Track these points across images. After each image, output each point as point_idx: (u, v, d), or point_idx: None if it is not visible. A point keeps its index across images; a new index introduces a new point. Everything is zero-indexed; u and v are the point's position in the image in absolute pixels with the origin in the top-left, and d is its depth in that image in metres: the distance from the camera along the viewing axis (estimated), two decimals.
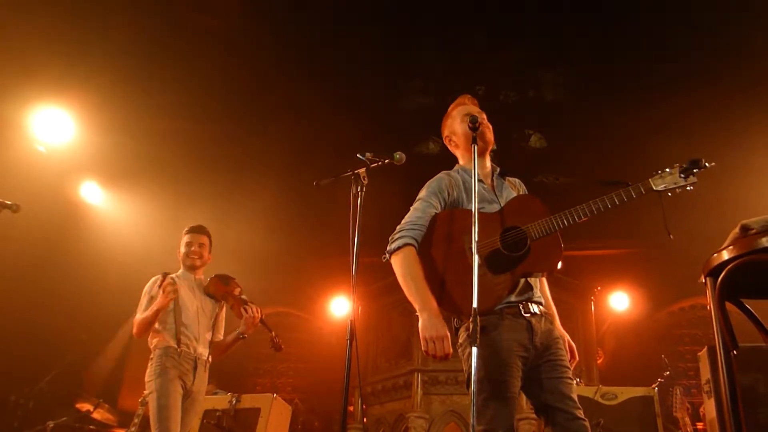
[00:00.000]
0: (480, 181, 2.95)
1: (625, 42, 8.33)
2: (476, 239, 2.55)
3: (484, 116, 3.12)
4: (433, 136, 9.90)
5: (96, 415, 7.08)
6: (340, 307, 9.96)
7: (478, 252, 2.55)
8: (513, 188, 3.14)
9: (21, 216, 4.13)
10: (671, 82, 8.10)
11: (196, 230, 4.64)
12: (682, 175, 2.58)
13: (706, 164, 2.59)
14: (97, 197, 8.53)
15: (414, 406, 6.82)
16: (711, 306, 2.15)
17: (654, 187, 2.64)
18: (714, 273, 2.16)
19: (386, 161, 3.41)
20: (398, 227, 2.91)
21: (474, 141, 2.82)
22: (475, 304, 2.45)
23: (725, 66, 7.77)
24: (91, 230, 8.41)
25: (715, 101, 7.39)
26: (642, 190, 2.66)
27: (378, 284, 7.99)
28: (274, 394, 5.83)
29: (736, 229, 2.13)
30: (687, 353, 9.42)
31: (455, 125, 3.19)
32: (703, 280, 2.25)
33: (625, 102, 8.57)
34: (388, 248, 2.88)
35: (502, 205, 2.91)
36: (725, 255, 2.11)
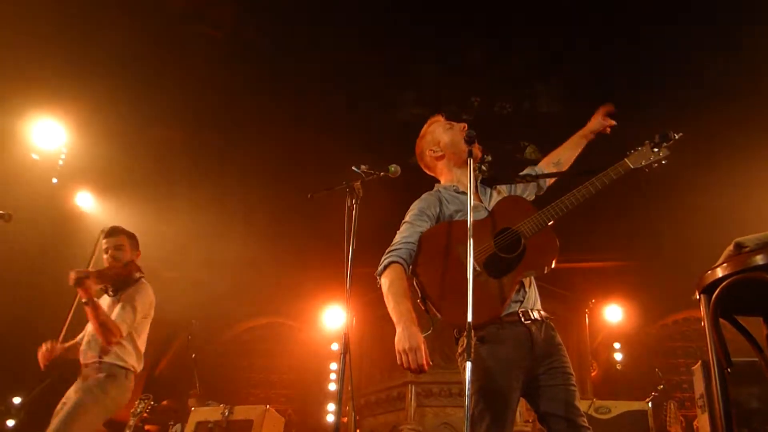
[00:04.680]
0: (463, 192, 2.93)
1: (620, 53, 8.37)
2: (471, 254, 2.48)
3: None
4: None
5: None
6: (333, 317, 9.94)
7: (475, 259, 2.52)
8: (500, 195, 3.07)
9: (14, 224, 4.12)
10: (669, 93, 8.14)
11: (110, 233, 4.32)
12: (655, 149, 2.68)
13: (675, 135, 2.77)
14: (90, 205, 8.51)
15: (408, 418, 6.80)
16: (705, 323, 2.14)
17: (631, 166, 2.80)
18: (708, 290, 2.15)
19: (381, 174, 3.41)
20: (386, 250, 2.86)
21: (470, 154, 2.79)
22: (469, 319, 2.39)
23: (725, 78, 7.81)
24: (85, 238, 8.37)
25: (714, 114, 7.41)
26: (621, 170, 2.80)
27: (371, 295, 7.97)
28: (267, 406, 5.81)
29: (730, 247, 2.13)
30: (680, 366, 9.42)
31: (439, 135, 3.18)
32: (698, 297, 2.25)
33: (621, 113, 8.60)
34: (376, 271, 2.83)
35: (490, 209, 2.88)
36: (719, 272, 2.10)
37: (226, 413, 5.71)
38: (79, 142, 7.76)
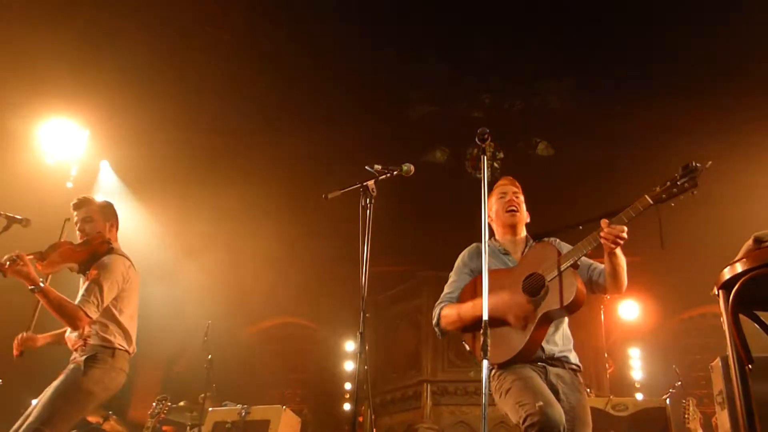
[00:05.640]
0: (506, 253, 3.30)
1: (630, 48, 8.31)
2: (486, 251, 2.68)
3: (517, 196, 3.39)
4: (440, 146, 9.91)
5: (106, 427, 7.06)
6: (349, 316, 9.93)
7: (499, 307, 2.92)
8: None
9: (30, 230, 4.14)
10: (680, 89, 8.08)
11: (77, 205, 3.95)
12: (680, 182, 2.58)
13: (696, 165, 2.55)
14: None
15: (423, 416, 6.80)
16: (724, 319, 2.13)
17: (650, 201, 2.69)
18: (727, 286, 2.14)
19: (395, 173, 3.41)
20: (435, 304, 3.32)
21: (483, 151, 2.91)
22: (485, 317, 2.54)
23: (738, 73, 7.73)
24: None
25: (724, 108, 7.35)
26: (640, 207, 2.73)
27: (387, 294, 7.99)
28: (284, 406, 5.82)
29: (750, 241, 2.12)
30: (698, 362, 9.33)
31: (493, 202, 3.45)
32: (716, 293, 2.23)
33: (633, 109, 8.56)
34: (434, 323, 3.29)
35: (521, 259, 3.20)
36: (738, 267, 2.09)
37: (243, 413, 5.73)
38: (95, 146, 7.82)
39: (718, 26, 7.41)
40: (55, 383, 3.53)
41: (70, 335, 3.72)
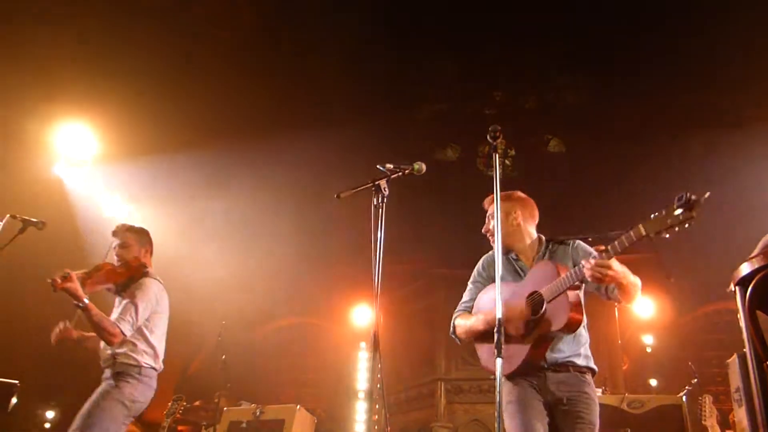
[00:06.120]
0: (518, 258, 3.33)
1: (645, 45, 8.25)
2: (499, 248, 2.74)
3: (489, 220, 3.39)
4: (451, 143, 9.89)
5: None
6: (362, 315, 9.96)
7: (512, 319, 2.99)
8: (565, 254, 3.27)
9: (46, 232, 4.20)
10: (696, 83, 8.00)
11: (114, 232, 4.26)
12: (676, 213, 2.39)
13: (692, 197, 2.35)
14: (121, 212, 8.62)
15: (438, 415, 6.80)
16: (741, 316, 2.11)
17: (643, 232, 2.53)
18: (744, 282, 2.12)
19: (406, 172, 3.41)
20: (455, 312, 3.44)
21: (494, 149, 2.95)
22: (499, 315, 2.59)
23: (753, 70, 7.65)
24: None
25: (742, 105, 7.27)
26: (633, 237, 2.59)
27: (401, 291, 7.99)
28: (298, 405, 5.84)
29: (766, 237, 2.09)
30: (714, 359, 9.25)
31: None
32: (732, 289, 2.21)
33: (647, 104, 8.50)
34: (450, 333, 3.41)
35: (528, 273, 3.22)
36: (755, 264, 2.07)
37: (258, 413, 5.76)
38: (109, 150, 7.86)
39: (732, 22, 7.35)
40: (92, 397, 3.86)
41: (104, 351, 4.02)
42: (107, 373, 3.94)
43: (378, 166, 3.39)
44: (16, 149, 7.43)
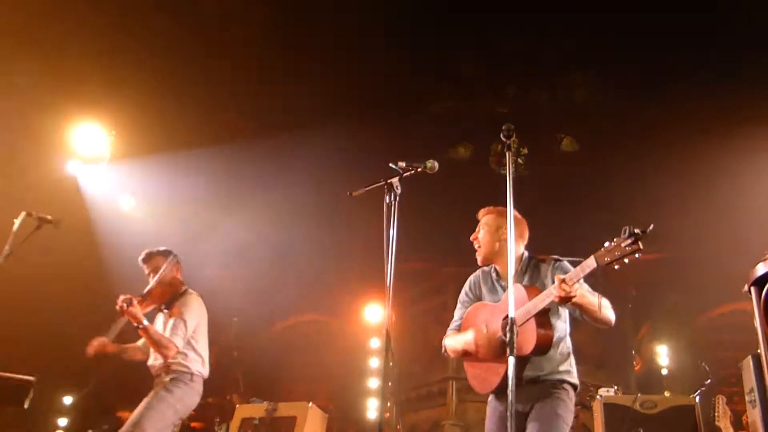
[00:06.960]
0: (499, 278, 3.40)
1: (656, 41, 8.19)
2: (512, 253, 2.76)
3: (476, 233, 3.48)
4: (463, 141, 9.86)
5: None
6: (374, 313, 9.97)
7: (489, 341, 3.12)
8: (546, 272, 3.26)
9: (62, 230, 4.24)
10: (709, 81, 7.93)
11: (144, 260, 4.57)
12: (623, 245, 2.50)
13: (636, 231, 2.46)
14: (134, 209, 8.68)
15: (449, 413, 6.81)
16: (756, 316, 2.09)
17: (595, 264, 2.64)
18: (759, 283, 2.10)
19: (419, 170, 3.40)
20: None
21: (508, 147, 2.93)
22: (512, 314, 2.59)
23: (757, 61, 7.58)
24: (131, 242, 8.55)
25: (758, 101, 7.18)
26: (587, 269, 2.68)
27: (413, 291, 8.00)
28: (310, 402, 5.85)
29: None
30: (728, 359, 9.18)
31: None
32: (747, 290, 2.19)
33: (662, 102, 8.43)
34: (443, 352, 3.51)
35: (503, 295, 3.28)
36: None
37: (270, 410, 5.78)
38: (124, 148, 7.91)
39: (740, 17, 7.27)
40: (146, 399, 4.19)
41: (155, 362, 4.38)
42: (162, 378, 4.28)
43: (390, 164, 3.40)
44: (32, 147, 7.50)
